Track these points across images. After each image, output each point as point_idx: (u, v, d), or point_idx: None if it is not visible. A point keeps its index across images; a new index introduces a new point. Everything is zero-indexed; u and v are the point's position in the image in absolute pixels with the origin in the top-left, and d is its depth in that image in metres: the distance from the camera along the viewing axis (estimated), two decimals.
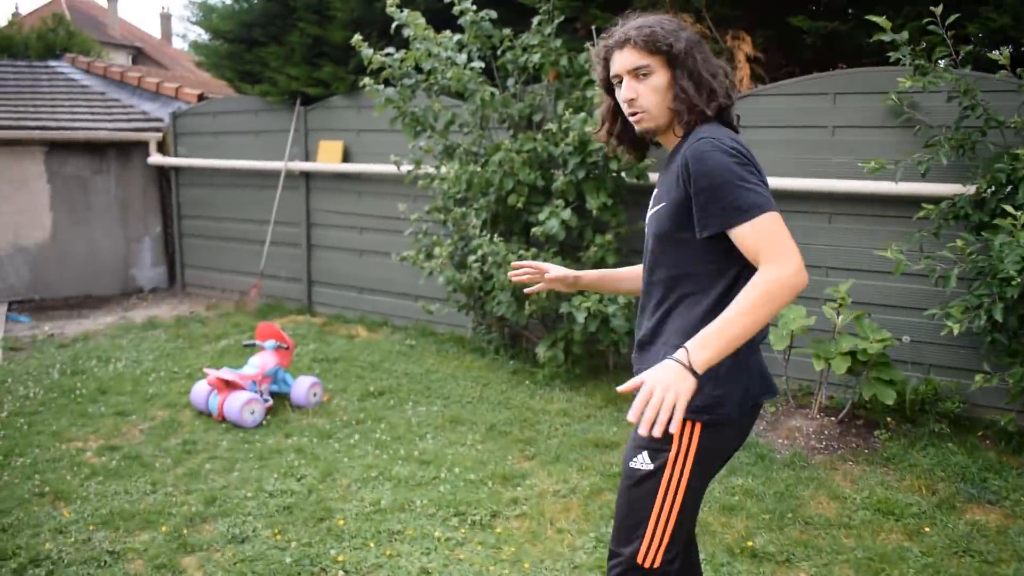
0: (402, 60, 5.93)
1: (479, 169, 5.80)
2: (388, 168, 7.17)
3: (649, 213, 2.28)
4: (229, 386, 5.24)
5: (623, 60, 2.19)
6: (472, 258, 5.74)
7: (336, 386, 5.92)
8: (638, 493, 2.16)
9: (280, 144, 8.38)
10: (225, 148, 9.02)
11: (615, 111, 2.34)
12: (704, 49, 2.20)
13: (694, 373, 1.86)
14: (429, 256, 6.28)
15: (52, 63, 11.95)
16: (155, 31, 36.55)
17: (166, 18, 36.76)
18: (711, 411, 2.09)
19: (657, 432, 1.81)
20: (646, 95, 2.17)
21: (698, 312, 2.13)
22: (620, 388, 1.94)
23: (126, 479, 4.45)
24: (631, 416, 1.84)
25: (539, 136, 5.74)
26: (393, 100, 5.94)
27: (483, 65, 5.83)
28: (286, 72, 8.14)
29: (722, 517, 3.92)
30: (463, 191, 6.01)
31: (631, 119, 2.24)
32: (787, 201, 5.38)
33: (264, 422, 5.24)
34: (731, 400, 2.12)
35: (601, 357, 6.13)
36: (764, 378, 2.22)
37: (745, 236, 2.00)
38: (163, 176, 10.04)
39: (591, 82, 5.73)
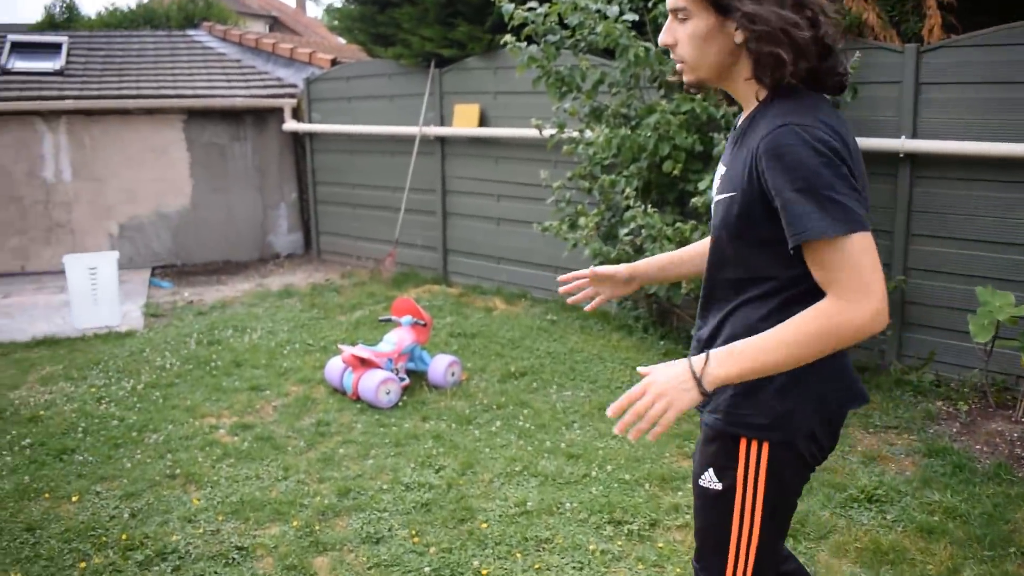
0: (546, 15, 5.47)
1: (630, 133, 5.30)
2: (527, 132, 6.74)
3: (716, 196, 1.86)
4: (364, 364, 4.97)
5: None
6: (623, 231, 5.25)
7: (475, 365, 5.58)
8: (713, 514, 1.90)
9: (414, 108, 8.08)
10: (359, 113, 8.79)
11: None
12: None
13: (700, 387, 1.62)
14: (573, 226, 5.84)
15: (190, 32, 12.06)
16: (290, 0, 37.11)
17: None
18: (779, 428, 1.78)
19: (631, 437, 1.62)
20: (684, 43, 1.79)
21: (755, 316, 1.80)
22: (639, 371, 1.70)
23: (258, 462, 4.23)
24: (610, 412, 1.63)
25: (698, 96, 5.19)
26: (537, 59, 5.49)
27: (636, 17, 5.31)
28: (419, 33, 7.81)
29: (920, 541, 3.36)
30: (611, 156, 5.52)
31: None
32: (983, 169, 4.67)
33: (400, 403, 4.95)
34: (802, 414, 1.78)
35: None
36: (848, 384, 1.85)
37: (819, 258, 1.62)
38: (298, 142, 9.94)
39: None
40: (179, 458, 4.28)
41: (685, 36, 1.78)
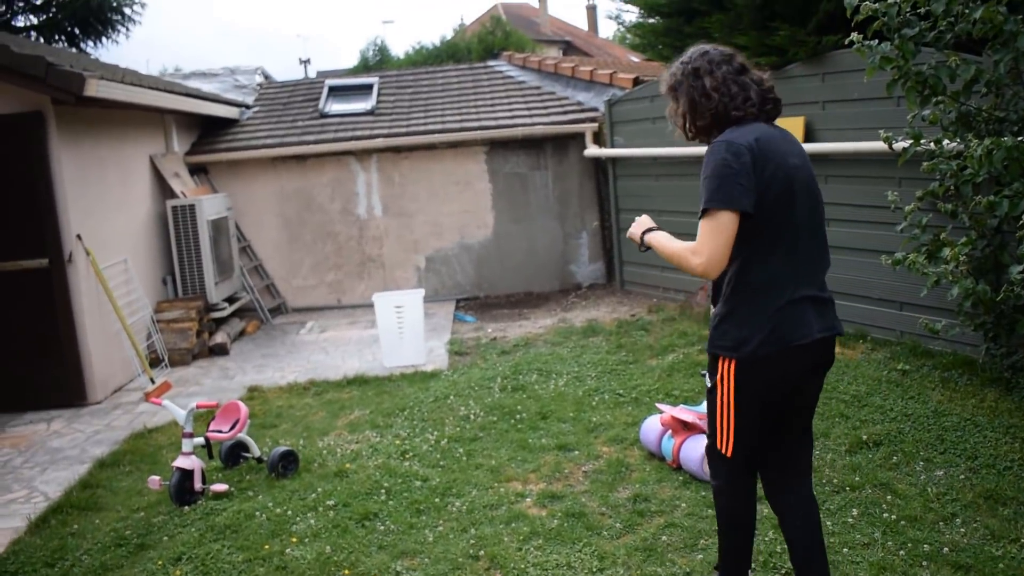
0: (900, 4, 4.52)
1: (1018, 142, 4.19)
2: (867, 146, 5.75)
3: None
4: (687, 428, 4.30)
5: None
6: (1017, 268, 4.15)
7: (815, 428, 4.68)
8: (709, 403, 2.86)
9: None
10: (665, 134, 8.14)
11: None
12: (704, 74, 2.82)
13: (643, 235, 3.09)
14: (931, 258, 4.81)
15: (491, 63, 12.13)
16: (582, 23, 37.60)
17: (591, 10, 37.50)
18: (737, 349, 2.67)
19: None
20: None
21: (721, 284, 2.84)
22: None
23: (569, 545, 3.69)
24: None
25: None
26: (892, 58, 4.52)
27: None
28: (733, 42, 7.03)
29: None
30: (987, 172, 4.43)
31: None
32: None
33: None
34: (754, 340, 2.64)
35: None
36: (798, 324, 2.64)
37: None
38: (599, 168, 9.50)
39: None
40: (483, 533, 3.85)
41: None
